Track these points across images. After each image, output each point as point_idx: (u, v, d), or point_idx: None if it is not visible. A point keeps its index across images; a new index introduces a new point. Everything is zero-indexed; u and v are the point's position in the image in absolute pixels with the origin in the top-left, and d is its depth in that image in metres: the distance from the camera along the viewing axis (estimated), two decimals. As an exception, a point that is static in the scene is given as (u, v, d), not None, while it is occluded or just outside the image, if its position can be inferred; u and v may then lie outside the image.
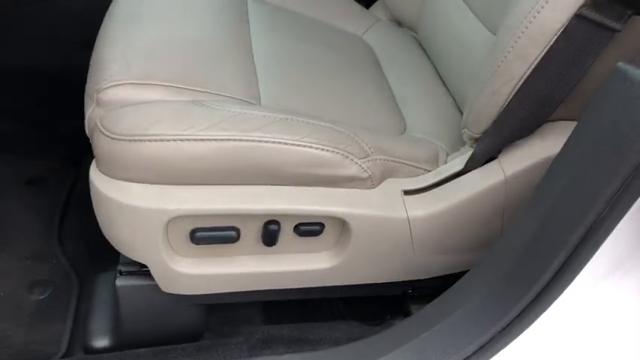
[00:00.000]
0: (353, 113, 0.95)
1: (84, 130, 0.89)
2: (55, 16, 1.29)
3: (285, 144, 0.80)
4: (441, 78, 1.10)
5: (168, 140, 0.77)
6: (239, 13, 1.10)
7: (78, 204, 1.27)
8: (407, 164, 0.87)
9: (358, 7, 1.29)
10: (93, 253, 1.16)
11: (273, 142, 0.79)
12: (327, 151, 0.81)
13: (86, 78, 0.92)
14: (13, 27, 1.28)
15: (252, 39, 1.05)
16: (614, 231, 0.64)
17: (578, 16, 0.72)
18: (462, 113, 1.00)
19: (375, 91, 1.04)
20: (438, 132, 0.97)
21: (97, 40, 0.96)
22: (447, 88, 1.08)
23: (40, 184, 1.30)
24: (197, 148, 0.78)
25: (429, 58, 1.16)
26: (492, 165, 0.85)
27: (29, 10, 1.27)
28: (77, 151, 1.33)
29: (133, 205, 0.78)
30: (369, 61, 1.13)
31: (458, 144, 0.94)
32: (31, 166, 1.33)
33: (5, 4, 1.23)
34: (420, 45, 1.21)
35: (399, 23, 1.28)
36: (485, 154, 0.84)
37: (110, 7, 1.03)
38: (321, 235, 0.86)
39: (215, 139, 0.78)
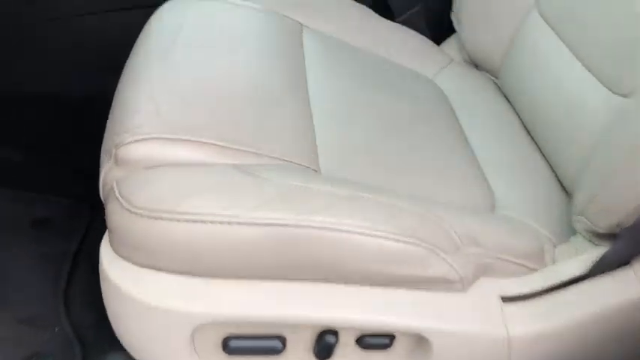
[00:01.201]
0: (432, 183, 0.76)
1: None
2: (79, 36, 1.14)
3: (354, 233, 0.61)
4: (531, 136, 0.91)
5: (203, 222, 0.59)
6: (293, 47, 0.92)
7: (91, 255, 1.09)
8: (505, 260, 0.68)
9: (429, 43, 1.09)
10: (103, 320, 0.98)
11: (339, 231, 0.60)
12: (408, 243, 0.62)
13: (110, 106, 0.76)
14: (35, 46, 1.13)
15: (307, 80, 0.86)
16: None
17: None
18: (564, 188, 0.80)
19: (454, 152, 0.85)
20: (536, 212, 0.77)
21: (121, 76, 0.79)
22: (541, 152, 0.88)
23: (48, 228, 1.12)
24: (239, 234, 0.59)
25: (514, 110, 0.97)
26: (625, 273, 0.65)
27: (50, 28, 1.12)
28: (95, 191, 1.17)
29: (151, 304, 0.60)
30: (445, 112, 0.94)
31: (565, 231, 0.74)
32: (39, 204, 1.16)
33: (17, 22, 1.08)
34: (502, 93, 1.01)
35: (475, 65, 1.08)
36: (619, 257, 0.64)
37: (141, 36, 0.85)
38: (389, 349, 0.66)
39: (264, 224, 0.59)
